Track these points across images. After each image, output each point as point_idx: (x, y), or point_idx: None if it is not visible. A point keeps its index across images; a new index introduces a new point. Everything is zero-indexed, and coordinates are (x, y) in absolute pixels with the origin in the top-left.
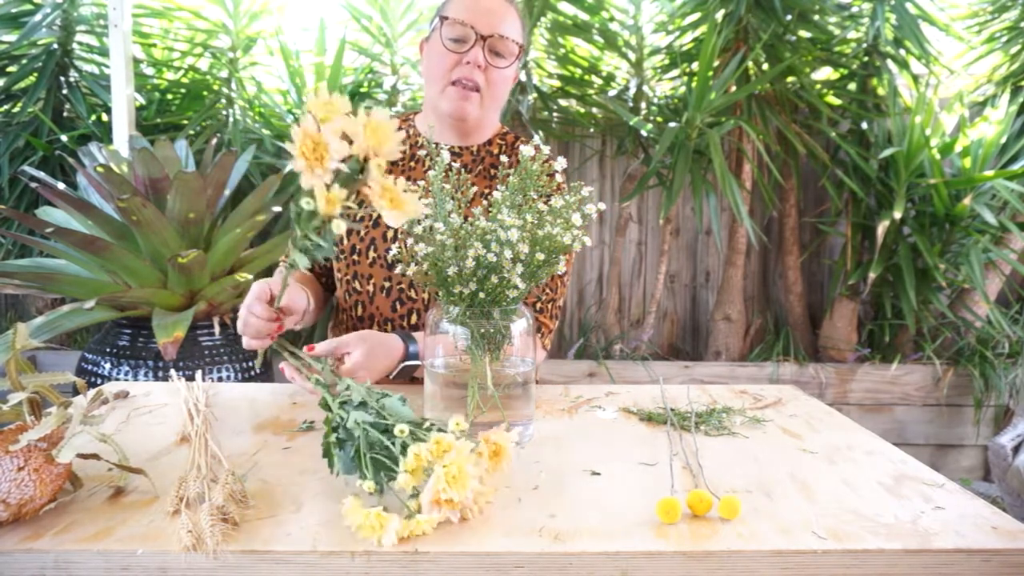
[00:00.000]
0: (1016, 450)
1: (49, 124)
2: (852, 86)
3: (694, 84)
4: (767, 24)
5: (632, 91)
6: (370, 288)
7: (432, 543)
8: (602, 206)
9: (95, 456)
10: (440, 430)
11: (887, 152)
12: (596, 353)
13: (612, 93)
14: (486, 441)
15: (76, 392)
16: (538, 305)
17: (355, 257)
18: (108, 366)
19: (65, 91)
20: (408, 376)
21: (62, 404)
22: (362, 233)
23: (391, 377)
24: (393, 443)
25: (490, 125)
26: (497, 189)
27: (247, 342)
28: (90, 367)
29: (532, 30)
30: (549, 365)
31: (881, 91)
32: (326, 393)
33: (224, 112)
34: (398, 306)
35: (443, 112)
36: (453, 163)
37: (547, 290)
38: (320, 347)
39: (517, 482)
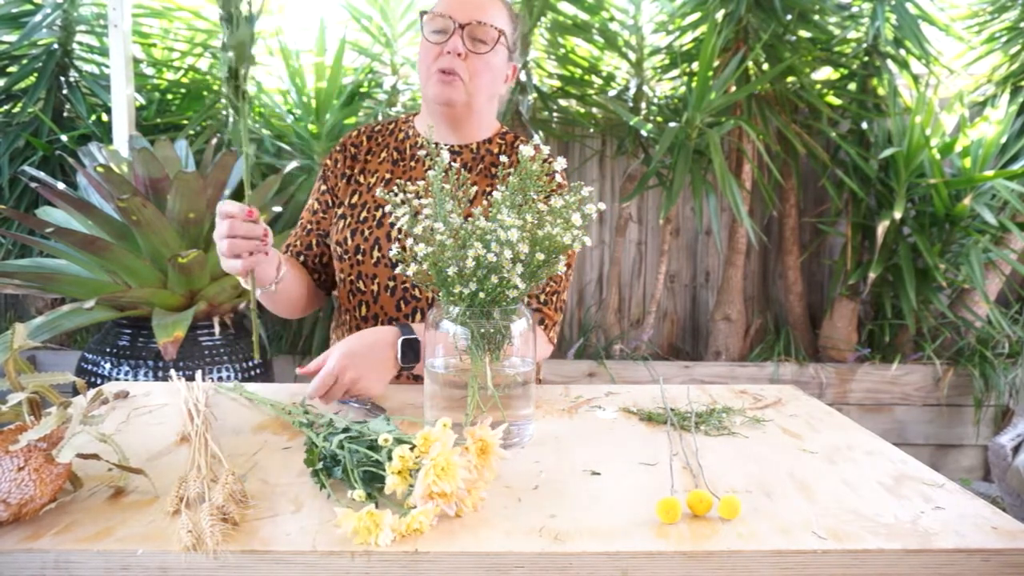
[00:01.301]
0: (1016, 450)
1: (49, 124)
2: (852, 86)
3: (694, 84)
4: (767, 24)
5: (632, 91)
6: (374, 288)
7: (432, 543)
8: (602, 206)
9: (95, 456)
10: None
11: (887, 152)
12: (596, 353)
13: (612, 93)
14: (471, 436)
15: (76, 392)
16: (542, 297)
17: (359, 257)
18: (108, 366)
19: (65, 91)
20: (417, 360)
21: (62, 404)
22: (366, 233)
23: (402, 366)
24: (379, 454)
25: (487, 120)
26: (497, 189)
27: (232, 265)
28: (90, 367)
29: (532, 30)
30: (549, 365)
31: (881, 91)
32: (309, 432)
33: (224, 112)
34: (403, 305)
35: (430, 100)
36: (453, 162)
37: (551, 282)
38: (310, 366)
39: (517, 482)
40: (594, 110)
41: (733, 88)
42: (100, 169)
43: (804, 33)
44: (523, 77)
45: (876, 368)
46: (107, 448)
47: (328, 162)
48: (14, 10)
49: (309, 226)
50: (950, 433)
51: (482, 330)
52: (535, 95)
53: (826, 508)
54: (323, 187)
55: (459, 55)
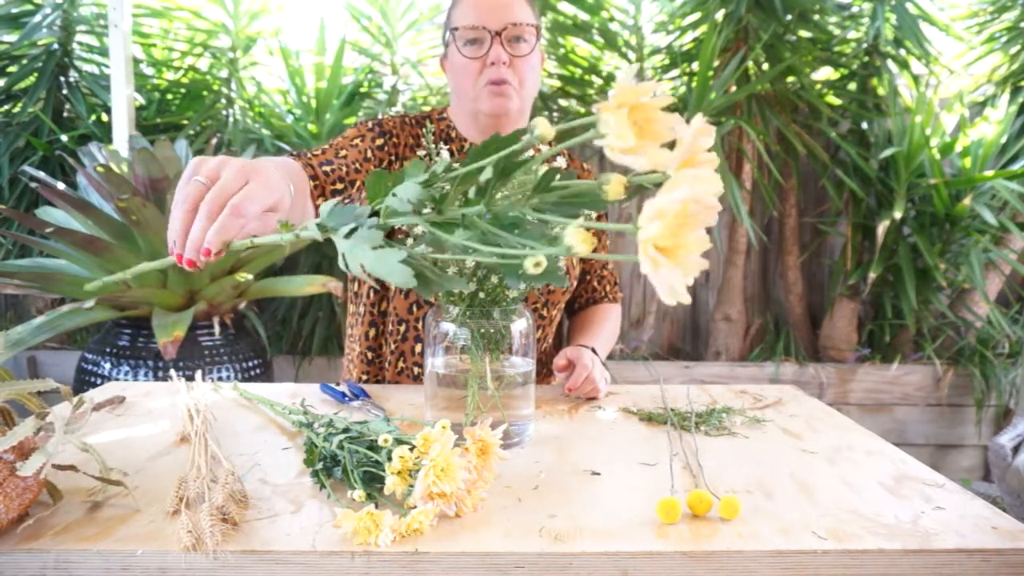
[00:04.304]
0: (1016, 450)
1: (49, 124)
2: (852, 86)
3: (694, 84)
4: (767, 24)
5: None
6: (392, 287)
7: (432, 543)
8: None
9: (72, 467)
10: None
11: (887, 152)
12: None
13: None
14: (471, 436)
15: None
16: (608, 288)
17: None
18: (108, 366)
19: (65, 91)
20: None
21: (39, 414)
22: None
23: None
24: (379, 454)
25: (525, 121)
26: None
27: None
28: (90, 367)
29: None
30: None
31: (881, 91)
32: (309, 432)
33: (224, 112)
34: (415, 308)
35: (485, 113)
36: None
37: (609, 272)
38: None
39: (517, 482)
40: (594, 110)
41: (733, 88)
42: (100, 169)
43: (804, 33)
44: None
45: (876, 368)
46: (92, 457)
47: (380, 127)
48: (14, 10)
49: (357, 166)
50: (950, 433)
51: (482, 330)
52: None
53: (826, 508)
54: (381, 143)
55: (505, 63)
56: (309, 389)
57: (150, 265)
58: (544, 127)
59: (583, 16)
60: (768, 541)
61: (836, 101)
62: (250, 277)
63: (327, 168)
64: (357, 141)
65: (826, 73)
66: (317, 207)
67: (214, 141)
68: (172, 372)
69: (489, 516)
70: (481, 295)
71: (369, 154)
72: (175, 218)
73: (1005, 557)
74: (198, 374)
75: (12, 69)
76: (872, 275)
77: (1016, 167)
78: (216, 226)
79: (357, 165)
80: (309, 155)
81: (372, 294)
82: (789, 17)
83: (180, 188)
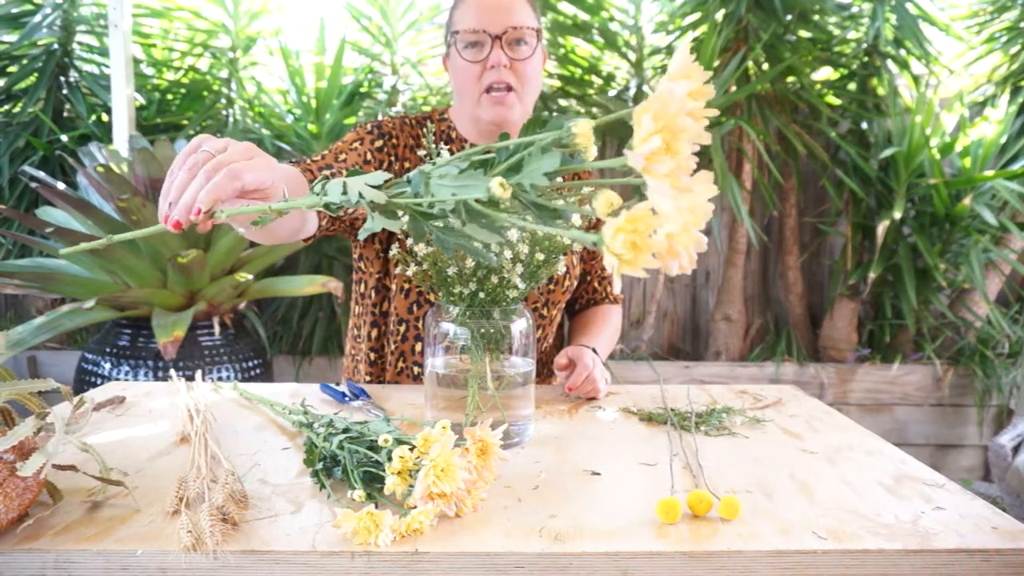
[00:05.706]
0: (1016, 450)
1: (49, 124)
2: (852, 86)
3: None
4: (767, 24)
5: (632, 91)
6: (392, 286)
7: (432, 543)
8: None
9: (72, 468)
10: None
11: (887, 152)
12: None
13: (612, 93)
14: (471, 436)
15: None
16: (608, 289)
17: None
18: (108, 366)
19: (65, 91)
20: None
21: (39, 414)
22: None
23: None
24: (379, 454)
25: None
26: None
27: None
28: (90, 367)
29: None
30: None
31: (881, 91)
32: (309, 432)
33: (224, 112)
34: (415, 308)
35: (485, 122)
36: None
37: (606, 271)
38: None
39: (517, 482)
40: (594, 110)
41: (733, 88)
42: (100, 169)
43: (804, 33)
44: None
45: (876, 368)
46: (92, 457)
47: (379, 129)
48: (14, 10)
49: (357, 169)
50: (950, 433)
51: (482, 330)
52: None
53: (826, 508)
54: (380, 144)
55: (505, 67)
56: (309, 389)
57: (136, 234)
58: (584, 128)
59: (583, 16)
60: (768, 541)
61: (836, 101)
62: (250, 277)
63: (327, 172)
64: (356, 144)
65: (826, 73)
66: (319, 214)
67: None
68: (172, 372)
69: (489, 516)
70: (481, 295)
71: (369, 156)
72: (172, 180)
73: (1005, 557)
74: (198, 374)
75: (12, 69)
76: (872, 275)
77: (1016, 167)
78: (210, 185)
79: (357, 168)
80: (308, 161)
81: (374, 294)
82: (789, 17)
83: (182, 155)
